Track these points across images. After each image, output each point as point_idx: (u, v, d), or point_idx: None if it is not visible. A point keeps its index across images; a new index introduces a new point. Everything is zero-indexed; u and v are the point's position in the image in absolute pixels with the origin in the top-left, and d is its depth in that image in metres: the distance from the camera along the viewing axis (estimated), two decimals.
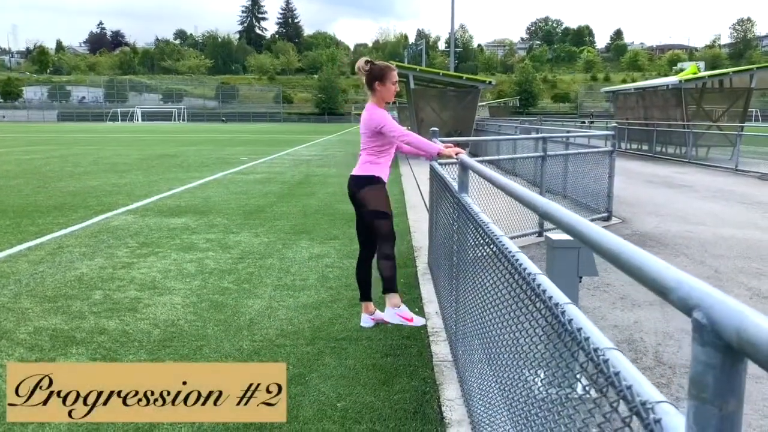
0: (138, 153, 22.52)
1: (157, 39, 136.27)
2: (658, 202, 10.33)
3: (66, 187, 12.03)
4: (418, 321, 4.08)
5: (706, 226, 8.02)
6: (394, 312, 4.16)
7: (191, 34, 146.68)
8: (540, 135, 8.18)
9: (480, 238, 2.78)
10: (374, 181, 4.03)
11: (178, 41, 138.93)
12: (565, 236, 3.35)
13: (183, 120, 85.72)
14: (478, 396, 3.00)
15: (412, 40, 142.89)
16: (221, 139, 35.61)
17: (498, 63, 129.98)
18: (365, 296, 4.33)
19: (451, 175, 4.59)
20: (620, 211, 9.07)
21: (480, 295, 2.82)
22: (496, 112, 55.11)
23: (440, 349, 3.91)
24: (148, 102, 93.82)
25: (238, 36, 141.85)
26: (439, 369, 3.59)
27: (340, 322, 4.42)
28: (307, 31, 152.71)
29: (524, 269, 2.21)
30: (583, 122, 43.61)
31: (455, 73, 21.49)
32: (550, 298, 2.03)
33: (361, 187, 4.04)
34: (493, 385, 3.00)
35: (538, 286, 2.14)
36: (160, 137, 37.10)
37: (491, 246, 2.44)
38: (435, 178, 5.46)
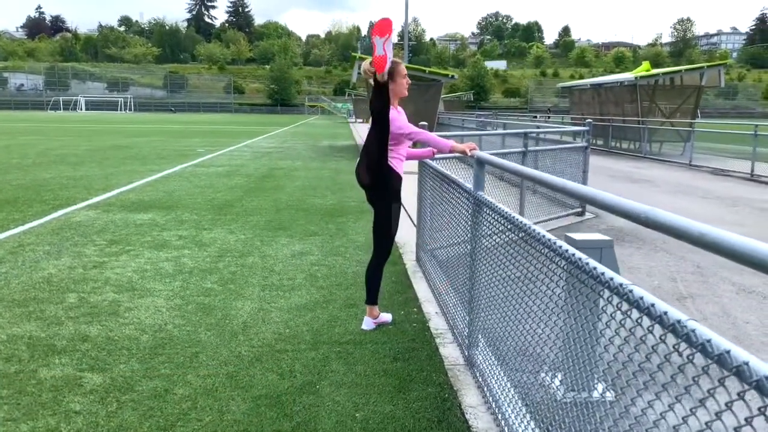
0: (87, 144, 21.54)
1: (101, 25, 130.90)
2: (625, 197, 10.49)
3: (15, 180, 11.34)
4: (388, 317, 4.31)
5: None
6: (372, 321, 4.19)
7: (137, 21, 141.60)
8: (522, 130, 8.15)
9: (510, 231, 2.68)
10: (394, 177, 3.93)
11: (123, 28, 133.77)
12: (588, 236, 3.28)
13: (130, 110, 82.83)
14: (507, 403, 2.90)
15: (364, 32, 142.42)
16: (173, 130, 34.51)
17: (450, 57, 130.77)
18: (371, 299, 4.18)
19: (452, 172, 4.48)
20: (592, 207, 9.16)
21: (511, 289, 2.72)
22: (451, 106, 55.44)
23: (449, 351, 3.79)
24: (92, 91, 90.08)
25: (186, 24, 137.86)
26: (453, 373, 3.48)
27: (340, 324, 4.24)
28: (258, 20, 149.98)
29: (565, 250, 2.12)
30: (535, 116, 44.30)
31: (418, 66, 21.34)
32: (595, 269, 1.93)
33: (383, 190, 3.92)
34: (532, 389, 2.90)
35: (587, 263, 2.05)
36: (108, 127, 35.68)
37: (531, 238, 2.33)
38: (430, 176, 5.33)
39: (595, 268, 1.82)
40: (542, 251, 2.59)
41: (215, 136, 28.28)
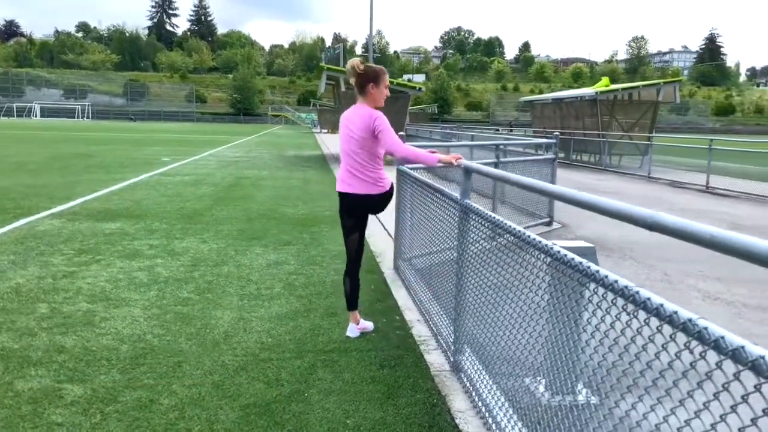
0: (46, 151, 20.93)
1: (57, 31, 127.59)
2: None
3: None
4: (371, 325, 4.32)
5: (644, 232, 8.41)
6: (357, 328, 4.20)
7: (95, 28, 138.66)
8: (493, 143, 8.31)
9: (499, 236, 2.75)
10: (391, 193, 3.98)
11: (80, 34, 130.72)
12: (571, 243, 3.37)
13: (88, 118, 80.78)
14: (496, 407, 2.95)
15: (328, 43, 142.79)
16: (135, 138, 33.82)
17: (413, 70, 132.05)
18: (352, 306, 4.19)
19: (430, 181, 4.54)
20: (559, 217, 9.38)
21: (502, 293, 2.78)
22: (416, 118, 55.93)
23: (434, 358, 3.82)
24: (48, 97, 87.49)
25: (147, 32, 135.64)
26: (440, 379, 3.51)
27: (323, 333, 4.24)
28: (221, 29, 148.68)
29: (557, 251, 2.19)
30: (497, 130, 45.08)
31: (389, 79, 21.57)
32: (589, 267, 2.00)
33: (383, 202, 3.96)
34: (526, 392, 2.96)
35: (580, 262, 2.12)
36: (66, 135, 34.71)
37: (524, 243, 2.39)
38: (410, 185, 5.38)
39: (606, 276, 1.88)
40: (537, 255, 2.66)
41: (179, 145, 27.84)
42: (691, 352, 1.43)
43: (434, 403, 3.22)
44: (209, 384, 3.38)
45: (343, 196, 4.04)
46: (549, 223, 8.84)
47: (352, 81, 3.96)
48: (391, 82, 20.82)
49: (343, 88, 19.34)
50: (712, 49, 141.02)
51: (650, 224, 1.62)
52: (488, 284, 3.46)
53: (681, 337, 1.48)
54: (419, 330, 4.33)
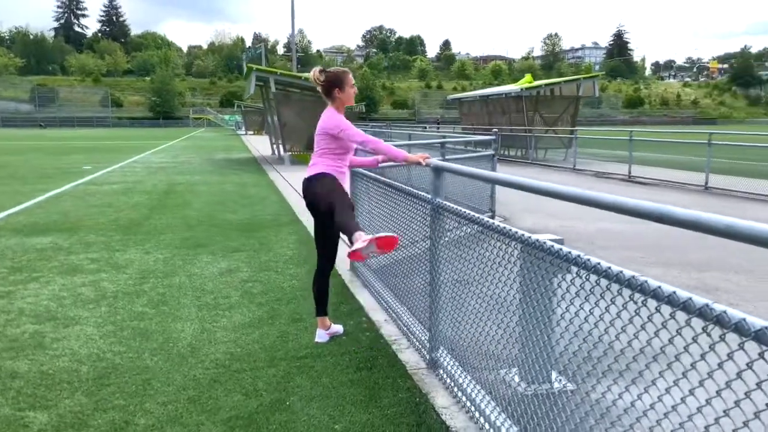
0: None
1: None
2: (528, 201, 11.13)
3: None
4: (340, 328, 4.29)
5: (584, 222, 8.82)
6: (325, 333, 4.16)
7: None
8: (438, 140, 8.44)
9: (481, 233, 2.82)
10: (336, 181, 3.90)
11: None
12: (541, 236, 3.48)
13: None
14: (480, 401, 3.01)
15: (249, 43, 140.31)
16: (50, 146, 31.99)
17: None
18: (322, 311, 4.16)
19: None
20: (499, 210, 9.64)
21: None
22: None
23: (408, 357, 3.85)
24: None
25: (53, 33, 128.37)
26: (419, 377, 3.55)
27: (292, 339, 4.18)
28: (135, 30, 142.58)
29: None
30: (424, 127, 45.77)
31: None
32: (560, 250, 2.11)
33: (325, 187, 3.87)
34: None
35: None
36: None
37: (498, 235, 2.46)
38: (365, 186, 5.39)
39: (611, 268, 1.97)
40: (518, 247, 2.73)
41: (100, 152, 26.58)
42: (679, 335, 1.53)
43: (417, 402, 3.25)
44: (184, 400, 3.27)
45: (303, 186, 4.04)
46: (492, 217, 9.06)
47: (319, 89, 3.98)
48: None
49: (273, 89, 19.06)
50: (620, 45, 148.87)
51: (664, 218, 1.69)
52: (462, 280, 3.53)
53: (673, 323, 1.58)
54: (388, 330, 4.35)
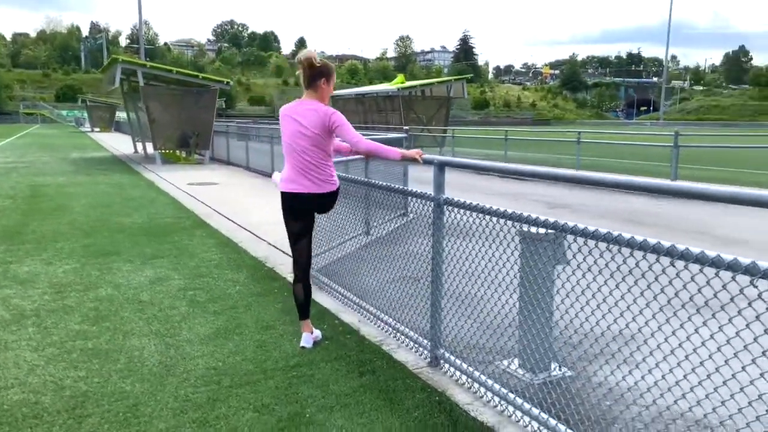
0: None
1: None
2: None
3: None
4: (319, 333, 4.09)
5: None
6: (311, 337, 4.00)
7: None
8: None
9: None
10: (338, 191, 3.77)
11: None
12: (539, 230, 3.61)
13: None
14: (504, 393, 3.06)
15: (86, 32, 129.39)
16: None
17: (188, 63, 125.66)
18: (306, 315, 3.97)
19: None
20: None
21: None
22: None
23: (404, 356, 3.80)
24: None
25: None
26: (426, 376, 3.51)
27: (273, 348, 3.93)
28: None
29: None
30: None
31: (191, 72, 20.18)
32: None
33: (332, 201, 3.73)
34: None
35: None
36: None
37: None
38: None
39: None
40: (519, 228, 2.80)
41: None
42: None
43: (438, 401, 3.21)
44: (191, 423, 2.95)
45: (290, 197, 3.77)
46: (405, 214, 9.21)
47: (300, 73, 3.74)
48: (196, 76, 19.68)
49: (141, 83, 17.72)
50: (466, 50, 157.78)
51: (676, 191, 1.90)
52: (462, 274, 3.57)
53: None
54: (369, 331, 4.25)
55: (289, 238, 3.94)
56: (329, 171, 3.76)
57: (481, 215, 3.32)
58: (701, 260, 2.00)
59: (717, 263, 1.93)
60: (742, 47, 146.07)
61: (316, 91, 3.71)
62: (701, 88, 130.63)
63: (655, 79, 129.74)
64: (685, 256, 2.10)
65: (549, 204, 10.83)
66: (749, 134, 29.74)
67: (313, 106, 3.68)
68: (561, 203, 10.99)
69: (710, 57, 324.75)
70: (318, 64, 3.66)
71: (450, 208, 3.52)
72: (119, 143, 30.62)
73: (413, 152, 3.73)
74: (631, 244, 2.29)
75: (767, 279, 1.80)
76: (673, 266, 2.36)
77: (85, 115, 60.44)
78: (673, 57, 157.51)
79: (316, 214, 4.01)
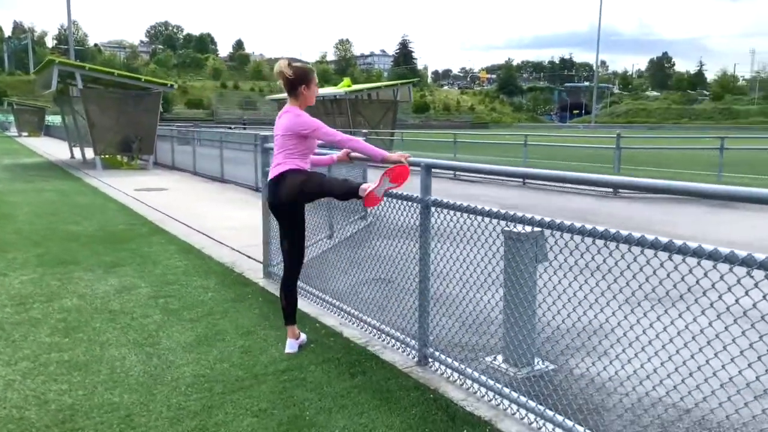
0: None
1: None
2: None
3: None
4: (304, 336, 4.10)
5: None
6: (296, 342, 4.00)
7: None
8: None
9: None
10: (303, 171, 3.76)
11: None
12: (527, 228, 3.76)
13: None
14: (493, 387, 3.18)
15: (8, 32, 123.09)
16: None
17: (120, 64, 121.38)
18: (292, 320, 3.97)
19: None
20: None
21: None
22: None
23: (392, 356, 3.86)
24: None
25: None
26: (417, 375, 3.58)
27: (259, 353, 3.92)
28: None
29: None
30: (230, 127, 44.43)
31: (133, 74, 19.55)
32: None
33: (296, 180, 3.70)
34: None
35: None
36: None
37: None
38: None
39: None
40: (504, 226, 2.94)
41: None
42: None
43: (434, 398, 3.29)
44: (191, 431, 2.91)
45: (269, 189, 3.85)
46: (365, 217, 9.27)
47: (281, 83, 3.78)
48: (138, 79, 19.09)
49: (80, 85, 17.04)
50: (405, 54, 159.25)
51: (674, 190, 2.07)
52: (442, 274, 3.67)
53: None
54: (351, 333, 4.29)
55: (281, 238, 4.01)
56: (294, 162, 3.75)
57: (467, 215, 3.42)
58: (683, 251, 2.19)
59: (696, 252, 2.12)
60: (665, 54, 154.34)
61: (298, 98, 3.78)
62: (626, 93, 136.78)
63: (586, 83, 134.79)
64: (669, 248, 2.27)
65: (502, 205, 11.10)
66: (678, 136, 31.45)
67: (292, 111, 3.76)
68: (512, 204, 11.32)
69: (636, 63, 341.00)
70: (291, 76, 3.70)
71: (438, 209, 3.61)
72: (52, 148, 29.32)
73: (398, 155, 3.81)
74: (628, 240, 2.44)
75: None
76: (650, 264, 2.56)
77: (11, 119, 57.41)
78: (603, 62, 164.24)
79: (298, 218, 3.99)
